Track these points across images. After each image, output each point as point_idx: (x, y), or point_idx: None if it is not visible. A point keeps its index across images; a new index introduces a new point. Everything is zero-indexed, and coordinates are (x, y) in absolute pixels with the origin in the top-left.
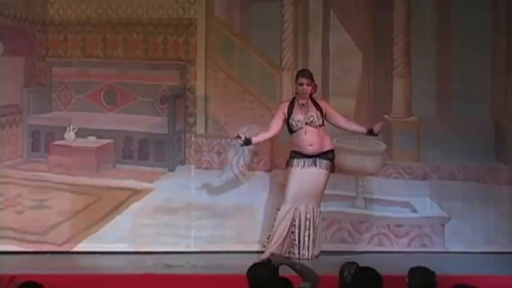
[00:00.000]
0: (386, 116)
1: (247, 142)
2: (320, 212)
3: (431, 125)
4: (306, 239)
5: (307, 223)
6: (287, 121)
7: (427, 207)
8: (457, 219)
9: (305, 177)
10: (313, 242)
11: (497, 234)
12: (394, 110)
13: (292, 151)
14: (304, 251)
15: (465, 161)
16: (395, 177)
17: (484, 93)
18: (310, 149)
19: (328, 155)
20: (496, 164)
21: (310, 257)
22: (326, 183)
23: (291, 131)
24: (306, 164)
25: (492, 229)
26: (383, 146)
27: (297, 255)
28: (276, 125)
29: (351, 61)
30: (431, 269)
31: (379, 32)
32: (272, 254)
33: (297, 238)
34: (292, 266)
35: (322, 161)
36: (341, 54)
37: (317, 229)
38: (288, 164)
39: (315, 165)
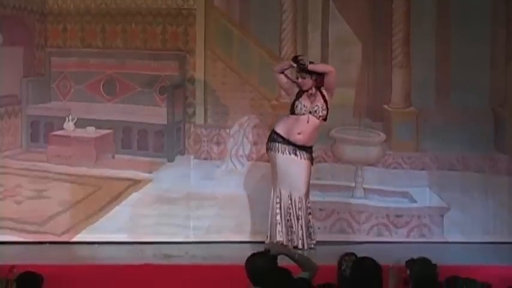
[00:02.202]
0: (385, 106)
1: (303, 69)
2: (309, 202)
3: (431, 115)
4: (300, 229)
5: (300, 213)
6: (293, 103)
7: (426, 197)
8: (456, 209)
9: (287, 164)
10: (306, 233)
11: (496, 225)
12: (394, 101)
13: (275, 132)
14: (299, 241)
15: (464, 151)
16: (394, 168)
17: (483, 83)
18: (297, 137)
19: (308, 149)
20: (495, 154)
21: (304, 248)
22: (309, 174)
23: (293, 112)
24: (287, 151)
25: (491, 219)
26: (382, 136)
27: (293, 244)
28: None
29: (350, 51)
30: (431, 259)
31: (378, 22)
32: (270, 244)
33: (294, 226)
34: (290, 256)
35: (303, 152)
36: (340, 44)
37: (309, 221)
38: (270, 148)
39: (296, 154)
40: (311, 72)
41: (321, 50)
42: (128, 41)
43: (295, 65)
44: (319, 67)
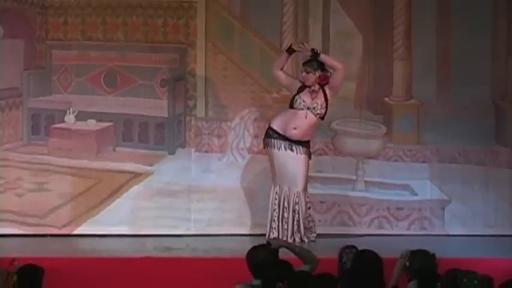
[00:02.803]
0: (386, 99)
1: (316, 55)
2: (308, 197)
3: (432, 108)
4: (296, 223)
5: (296, 207)
6: (293, 97)
7: (427, 190)
8: (457, 202)
9: (284, 160)
10: (305, 228)
11: (497, 217)
12: (395, 93)
13: (271, 129)
14: (296, 235)
15: (465, 144)
16: (395, 160)
17: (484, 76)
18: (293, 132)
19: (304, 144)
20: (496, 146)
21: (302, 241)
22: (307, 169)
23: (292, 106)
24: (282, 146)
25: (492, 212)
26: (383, 129)
27: (290, 239)
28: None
29: (351, 44)
30: (431, 252)
31: (379, 15)
32: (272, 238)
33: (289, 222)
34: (291, 249)
35: (299, 147)
36: (341, 37)
37: (309, 215)
38: (267, 144)
39: (292, 149)
40: (316, 68)
41: (321, 42)
42: (128, 33)
43: (301, 48)
44: (330, 60)
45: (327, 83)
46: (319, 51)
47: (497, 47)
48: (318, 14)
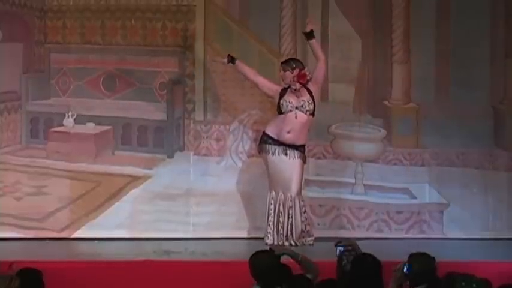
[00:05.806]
0: (385, 102)
1: (232, 60)
2: (303, 201)
3: (431, 111)
4: (290, 227)
5: (291, 212)
6: (278, 102)
7: (426, 193)
8: (456, 205)
9: (278, 165)
10: (302, 231)
11: (495, 221)
12: (394, 96)
13: (265, 134)
14: (290, 239)
15: (464, 147)
16: (394, 164)
17: (482, 79)
18: (286, 136)
19: (299, 148)
20: (495, 150)
21: (296, 245)
22: (301, 173)
23: (280, 111)
24: (277, 152)
25: (491, 215)
26: (383, 132)
27: (285, 243)
28: (266, 80)
29: (350, 48)
30: (431, 255)
31: (378, 18)
32: (275, 244)
33: (284, 226)
34: (294, 257)
35: (294, 151)
36: (340, 40)
37: (305, 219)
38: (261, 150)
39: (286, 154)
40: (293, 66)
41: (320, 46)
42: (127, 37)
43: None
44: (317, 47)
45: (306, 80)
46: (313, 32)
47: (495, 50)
48: (317, 16)
